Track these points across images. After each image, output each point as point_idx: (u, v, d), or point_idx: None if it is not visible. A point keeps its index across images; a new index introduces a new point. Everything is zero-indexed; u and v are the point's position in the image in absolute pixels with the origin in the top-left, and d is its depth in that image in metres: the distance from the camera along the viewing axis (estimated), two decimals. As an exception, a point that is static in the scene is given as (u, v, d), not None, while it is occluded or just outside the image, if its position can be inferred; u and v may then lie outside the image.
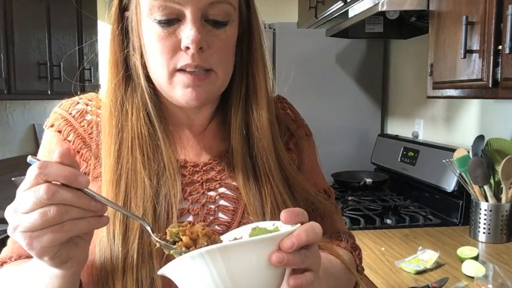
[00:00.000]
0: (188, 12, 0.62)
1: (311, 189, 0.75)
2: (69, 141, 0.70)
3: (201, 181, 0.70)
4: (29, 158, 0.52)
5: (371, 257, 1.40)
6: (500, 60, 1.17)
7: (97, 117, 0.71)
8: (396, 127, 2.54)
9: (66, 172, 0.50)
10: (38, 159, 0.51)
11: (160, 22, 0.63)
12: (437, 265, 1.32)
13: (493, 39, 1.18)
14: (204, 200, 0.69)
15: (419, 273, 1.27)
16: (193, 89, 0.64)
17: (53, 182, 0.49)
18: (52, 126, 0.72)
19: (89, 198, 0.51)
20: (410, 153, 2.10)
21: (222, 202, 0.70)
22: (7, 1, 2.51)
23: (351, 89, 2.55)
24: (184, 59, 0.63)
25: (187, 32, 0.62)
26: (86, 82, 3.45)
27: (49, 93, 2.98)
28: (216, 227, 0.68)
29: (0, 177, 2.87)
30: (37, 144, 3.36)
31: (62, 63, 3.07)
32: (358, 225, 1.73)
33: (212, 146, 0.74)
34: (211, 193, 0.70)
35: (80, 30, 3.37)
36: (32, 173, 0.49)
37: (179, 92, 0.65)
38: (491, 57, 1.19)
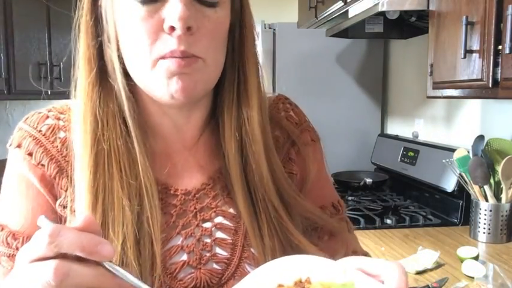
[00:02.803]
0: None
1: (310, 206, 0.65)
2: (43, 166, 0.59)
3: (195, 211, 0.61)
4: (41, 219, 0.43)
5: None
6: (500, 60, 1.17)
7: (71, 134, 0.60)
8: (396, 127, 2.54)
9: (84, 241, 0.40)
10: (50, 222, 0.42)
11: (148, 2, 0.52)
12: (437, 265, 1.32)
13: (493, 39, 1.18)
14: (199, 234, 0.60)
15: (419, 273, 1.27)
16: (180, 77, 0.53)
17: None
18: (19, 146, 0.61)
19: (111, 276, 0.41)
20: (410, 153, 2.10)
21: (219, 234, 0.61)
22: (7, 1, 2.51)
23: (351, 89, 2.55)
24: (168, 44, 0.52)
25: (173, 8, 0.51)
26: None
27: (49, 93, 2.98)
28: (214, 265, 0.60)
29: (0, 177, 2.87)
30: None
31: (62, 63, 3.07)
32: (358, 225, 1.73)
33: (205, 165, 0.63)
34: (207, 224, 0.61)
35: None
36: (41, 240, 0.40)
37: (163, 82, 0.53)
38: (491, 57, 1.19)
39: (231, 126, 0.60)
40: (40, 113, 0.63)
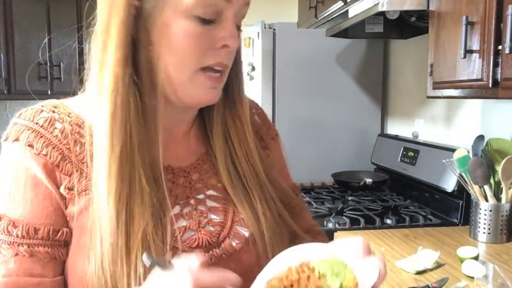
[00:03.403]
0: (229, 12, 0.62)
1: (286, 185, 0.79)
2: (45, 155, 0.62)
3: (189, 185, 0.70)
4: (145, 258, 0.50)
5: (371, 257, 1.40)
6: (500, 60, 1.17)
7: (69, 125, 0.64)
8: (396, 127, 2.54)
9: (218, 281, 0.52)
10: (157, 259, 0.51)
11: (201, 19, 0.60)
12: (437, 265, 1.32)
13: (493, 39, 1.18)
14: (194, 204, 0.69)
15: (419, 273, 1.27)
16: (213, 90, 0.65)
17: None
18: (17, 140, 0.63)
19: None
20: (410, 153, 2.10)
21: (211, 203, 0.70)
22: (7, 1, 2.51)
23: (351, 89, 2.55)
24: (216, 57, 0.63)
25: (230, 31, 0.62)
26: (85, 82, 3.45)
27: (49, 93, 2.98)
28: (211, 228, 0.68)
29: None
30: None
31: (62, 63, 3.07)
32: (358, 225, 1.73)
33: (196, 148, 0.74)
34: (200, 196, 0.70)
35: (80, 30, 3.37)
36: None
37: (200, 91, 0.64)
38: (491, 57, 1.19)
39: (219, 119, 0.72)
40: (33, 108, 0.66)
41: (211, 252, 0.66)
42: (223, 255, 0.67)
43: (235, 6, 0.62)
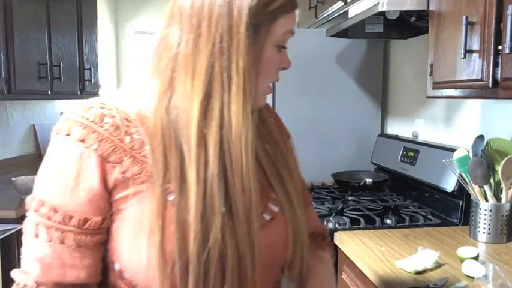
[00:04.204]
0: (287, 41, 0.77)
1: (303, 180, 0.95)
2: (95, 149, 0.68)
3: None
4: None
5: (371, 257, 1.40)
6: (500, 60, 1.17)
7: (118, 119, 0.70)
8: (396, 127, 2.54)
9: None
10: None
11: (280, 48, 0.76)
12: (437, 265, 1.32)
13: (493, 39, 1.18)
14: None
15: (419, 273, 1.27)
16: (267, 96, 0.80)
17: None
18: (68, 135, 0.69)
19: None
20: (410, 153, 2.10)
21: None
22: (7, 1, 2.51)
23: (351, 89, 2.55)
24: (276, 77, 0.78)
25: (287, 57, 0.78)
26: (85, 82, 3.45)
27: (49, 93, 2.98)
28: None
29: (0, 177, 2.87)
30: (37, 144, 3.36)
31: (62, 63, 3.07)
32: (358, 225, 1.73)
33: None
34: None
35: (80, 30, 3.37)
36: None
37: (263, 99, 0.78)
38: (491, 57, 1.19)
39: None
40: (83, 105, 0.72)
41: None
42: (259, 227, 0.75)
43: None
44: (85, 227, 0.69)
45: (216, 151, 0.67)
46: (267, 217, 0.78)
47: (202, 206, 0.66)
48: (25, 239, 0.72)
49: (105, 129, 0.69)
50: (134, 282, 0.70)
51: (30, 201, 0.71)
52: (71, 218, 0.68)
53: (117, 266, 0.72)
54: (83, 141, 0.68)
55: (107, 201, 0.70)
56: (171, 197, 0.68)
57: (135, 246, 0.68)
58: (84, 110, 0.70)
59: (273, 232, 0.78)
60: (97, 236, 0.70)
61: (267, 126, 0.85)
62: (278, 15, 0.72)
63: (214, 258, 0.66)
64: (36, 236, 0.69)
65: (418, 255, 1.33)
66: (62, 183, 0.69)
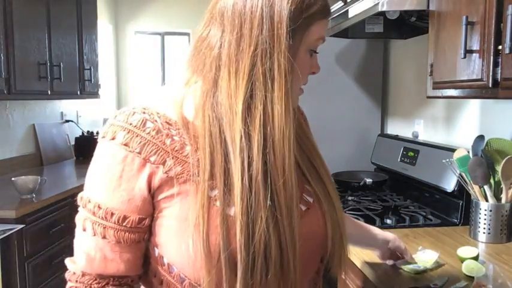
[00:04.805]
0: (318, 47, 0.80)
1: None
2: (138, 153, 0.73)
3: None
4: None
5: (371, 257, 1.40)
6: (500, 60, 1.17)
7: (160, 123, 0.75)
8: (396, 127, 2.54)
9: None
10: None
11: (312, 53, 0.80)
12: (437, 265, 1.32)
13: (493, 39, 1.18)
14: None
15: (419, 273, 1.27)
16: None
17: None
18: (113, 139, 0.74)
19: None
20: (410, 153, 2.10)
21: None
22: (7, 1, 2.51)
23: (351, 89, 2.55)
24: (305, 80, 0.81)
25: (316, 62, 0.82)
26: (85, 82, 3.45)
27: (49, 93, 2.98)
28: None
29: (0, 177, 2.87)
30: (37, 144, 3.36)
31: (62, 63, 3.07)
32: (358, 225, 1.73)
33: None
34: None
35: (80, 30, 3.38)
36: None
37: (296, 100, 0.82)
38: (491, 57, 1.19)
39: None
40: (126, 111, 0.76)
41: None
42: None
43: None
44: (124, 224, 0.73)
45: (260, 148, 0.71)
46: (303, 208, 0.81)
47: (247, 201, 0.70)
48: (76, 232, 0.78)
49: (148, 133, 0.73)
50: (183, 275, 0.74)
51: (80, 198, 0.77)
52: (112, 214, 0.73)
53: (165, 260, 0.76)
54: (126, 145, 0.73)
55: (148, 202, 0.74)
56: (214, 193, 0.72)
57: (182, 241, 0.72)
58: (127, 115, 0.75)
59: (310, 222, 0.81)
60: (136, 233, 0.75)
61: (300, 124, 0.89)
62: (313, 21, 0.76)
63: (260, 249, 0.70)
64: (84, 229, 0.75)
65: (418, 256, 1.33)
66: (106, 182, 0.74)
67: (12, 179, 2.33)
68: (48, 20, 2.96)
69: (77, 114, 3.99)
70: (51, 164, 3.42)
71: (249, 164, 0.70)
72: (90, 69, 3.49)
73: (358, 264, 1.40)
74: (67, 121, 3.81)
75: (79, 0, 3.36)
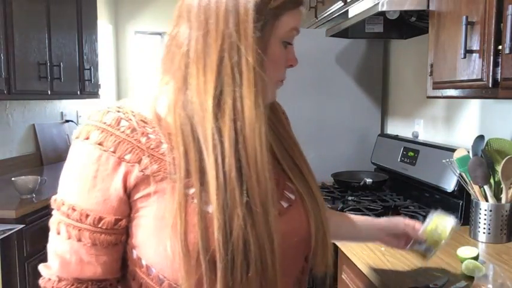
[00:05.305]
0: (294, 39, 0.79)
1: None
2: (113, 152, 0.71)
3: None
4: None
5: (371, 257, 1.40)
6: (500, 60, 1.17)
7: (135, 122, 0.74)
8: (396, 127, 2.54)
9: None
10: None
11: (287, 44, 0.77)
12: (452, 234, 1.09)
13: (493, 39, 1.18)
14: None
15: (435, 243, 1.08)
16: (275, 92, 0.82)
17: None
18: (87, 139, 0.72)
19: None
20: (410, 153, 2.10)
21: None
22: (7, 1, 2.51)
23: (351, 89, 2.55)
24: (284, 74, 0.80)
25: (293, 54, 0.79)
26: (85, 82, 3.45)
27: (49, 93, 2.98)
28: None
29: (0, 177, 2.87)
30: (37, 144, 3.36)
31: (62, 63, 3.07)
32: (358, 225, 1.73)
33: None
34: None
35: (80, 30, 3.38)
36: None
37: (274, 95, 0.81)
38: (491, 57, 1.19)
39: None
40: (100, 110, 0.75)
41: None
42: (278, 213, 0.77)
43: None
44: (100, 225, 0.72)
45: (231, 144, 0.69)
46: (285, 204, 0.80)
47: (223, 198, 0.69)
48: (50, 235, 0.75)
49: (122, 132, 0.72)
50: (162, 276, 0.73)
51: (53, 200, 0.75)
52: (87, 216, 0.72)
53: (143, 262, 0.74)
54: (101, 144, 0.71)
55: (124, 202, 0.73)
56: (191, 191, 0.70)
57: (160, 241, 0.70)
58: (102, 114, 0.74)
59: (292, 219, 0.80)
60: (112, 235, 0.73)
61: (281, 123, 0.88)
62: (283, 12, 0.74)
63: (239, 247, 0.68)
64: (58, 233, 0.74)
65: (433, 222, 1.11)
66: (81, 183, 0.72)
67: (12, 179, 2.33)
68: (48, 20, 2.96)
69: (77, 114, 4.00)
70: (51, 164, 3.42)
71: (223, 161, 0.69)
72: (90, 69, 3.49)
73: (358, 264, 1.40)
74: (67, 121, 3.81)
75: (79, 0, 3.36)
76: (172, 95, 0.74)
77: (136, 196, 0.72)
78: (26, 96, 2.85)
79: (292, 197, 0.82)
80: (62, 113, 3.76)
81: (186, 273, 0.69)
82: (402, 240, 1.13)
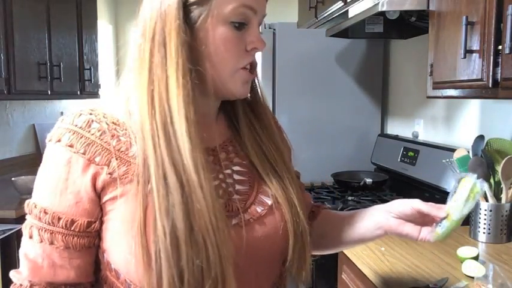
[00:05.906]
0: (254, 19, 0.74)
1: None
2: (83, 153, 0.71)
3: (218, 162, 0.80)
4: None
5: (371, 257, 1.40)
6: (500, 60, 1.17)
7: (105, 124, 0.74)
8: (396, 127, 2.54)
9: None
10: None
11: (234, 26, 0.72)
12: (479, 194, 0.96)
13: (493, 39, 1.18)
14: (222, 177, 0.80)
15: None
16: (246, 84, 0.78)
17: None
18: (59, 141, 0.72)
19: None
20: (410, 153, 2.10)
21: (237, 177, 0.81)
22: (7, 1, 2.51)
23: (351, 89, 2.55)
24: (248, 58, 0.76)
25: (257, 36, 0.75)
26: (85, 82, 3.45)
27: (49, 93, 2.98)
28: (238, 196, 0.79)
29: (0, 177, 2.87)
30: (37, 144, 3.36)
31: (62, 63, 3.07)
32: (358, 225, 1.73)
33: (222, 132, 0.85)
34: (227, 171, 0.81)
35: (80, 30, 3.37)
36: None
37: (239, 86, 0.76)
38: (491, 57, 1.19)
39: (240, 110, 0.85)
40: (72, 113, 0.75)
41: (239, 216, 0.76)
42: (251, 219, 0.77)
43: (261, 13, 0.76)
44: (72, 228, 0.71)
45: (164, 143, 0.69)
46: (259, 209, 0.79)
47: (164, 202, 0.67)
48: (22, 240, 0.75)
49: (92, 134, 0.72)
50: (128, 280, 0.72)
51: (26, 204, 0.75)
52: (59, 219, 0.71)
53: (113, 266, 0.73)
54: (71, 146, 0.71)
55: (96, 204, 0.72)
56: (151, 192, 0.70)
57: (126, 245, 0.69)
58: (73, 117, 0.74)
59: (268, 223, 0.79)
60: (85, 238, 0.73)
61: (267, 129, 0.86)
62: None
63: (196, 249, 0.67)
64: (30, 237, 0.73)
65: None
66: (52, 186, 0.72)
67: (12, 179, 2.33)
68: (48, 20, 2.96)
69: (77, 114, 3.99)
70: (51, 164, 3.42)
71: (162, 163, 0.68)
72: (90, 69, 3.49)
73: (358, 264, 1.40)
74: (67, 121, 3.80)
75: (79, 0, 3.36)
76: (129, 95, 0.77)
77: (105, 199, 0.72)
78: (26, 96, 2.85)
79: (269, 202, 0.80)
80: (62, 113, 3.76)
81: (148, 277, 0.67)
82: (417, 226, 0.89)
